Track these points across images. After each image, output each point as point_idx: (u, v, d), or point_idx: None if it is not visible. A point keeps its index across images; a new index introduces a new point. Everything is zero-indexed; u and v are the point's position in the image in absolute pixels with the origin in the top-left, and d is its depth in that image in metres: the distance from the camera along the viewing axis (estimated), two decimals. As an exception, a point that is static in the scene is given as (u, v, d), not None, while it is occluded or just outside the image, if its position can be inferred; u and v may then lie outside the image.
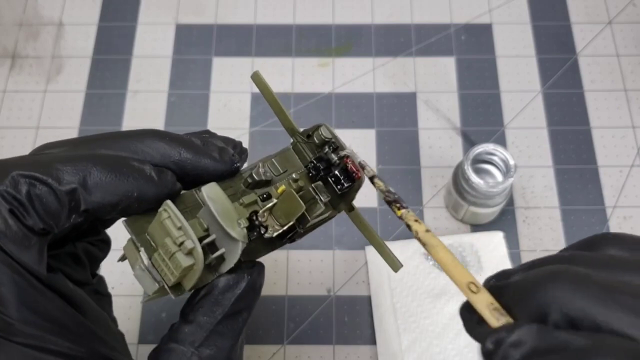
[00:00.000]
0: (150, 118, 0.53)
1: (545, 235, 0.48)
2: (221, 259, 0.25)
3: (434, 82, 0.54)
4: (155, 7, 0.58)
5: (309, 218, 0.27)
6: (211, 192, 0.25)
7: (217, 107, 0.53)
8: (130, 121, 0.53)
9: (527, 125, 0.52)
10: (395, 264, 0.29)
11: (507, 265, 0.45)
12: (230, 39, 0.56)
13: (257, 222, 0.26)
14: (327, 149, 0.27)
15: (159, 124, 0.53)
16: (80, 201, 0.23)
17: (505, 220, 0.48)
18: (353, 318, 0.45)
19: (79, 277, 0.29)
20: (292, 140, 0.29)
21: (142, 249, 0.24)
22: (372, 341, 0.44)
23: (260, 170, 0.27)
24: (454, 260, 0.21)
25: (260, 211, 0.26)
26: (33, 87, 0.54)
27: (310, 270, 0.47)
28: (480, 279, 0.48)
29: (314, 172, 0.28)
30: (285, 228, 0.26)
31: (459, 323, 0.43)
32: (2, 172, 0.23)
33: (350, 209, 0.29)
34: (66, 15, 0.58)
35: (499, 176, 0.46)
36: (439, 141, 0.51)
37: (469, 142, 0.51)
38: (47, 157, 0.24)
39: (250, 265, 0.26)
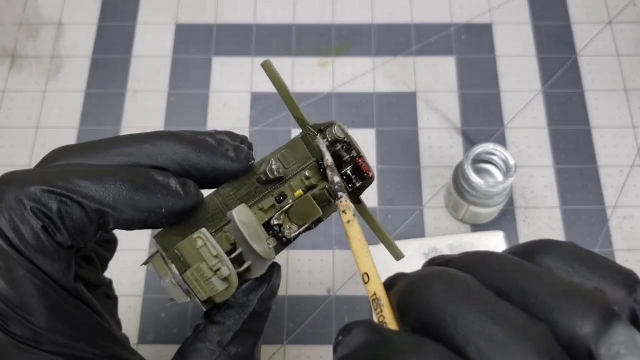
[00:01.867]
0: (150, 118, 0.53)
1: (546, 235, 0.48)
2: (247, 269, 0.26)
3: (434, 82, 0.54)
4: (155, 7, 0.58)
5: (323, 219, 0.28)
6: (242, 216, 0.25)
7: (217, 107, 0.53)
8: (130, 121, 0.53)
9: (527, 125, 0.52)
10: (397, 254, 0.30)
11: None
12: (230, 39, 0.56)
13: (276, 231, 0.27)
14: (339, 147, 0.28)
15: (158, 124, 0.53)
16: (109, 220, 0.24)
17: (505, 220, 0.48)
18: (353, 318, 0.45)
19: (91, 279, 0.29)
20: (301, 131, 0.29)
21: (173, 266, 0.26)
22: (372, 341, 0.44)
23: (274, 167, 0.28)
24: (359, 250, 0.22)
25: (277, 214, 0.27)
26: (33, 87, 0.54)
27: (310, 270, 0.47)
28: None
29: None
30: (301, 230, 0.27)
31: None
32: (28, 185, 0.23)
33: (358, 202, 0.29)
34: (66, 15, 0.57)
35: (499, 176, 0.46)
36: (439, 141, 0.51)
37: (469, 142, 0.51)
38: (72, 171, 0.24)
39: (269, 267, 0.27)
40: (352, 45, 0.56)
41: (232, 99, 0.53)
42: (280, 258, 0.47)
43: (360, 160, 0.28)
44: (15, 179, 0.24)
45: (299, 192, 0.28)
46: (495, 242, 0.46)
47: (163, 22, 0.57)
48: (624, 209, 0.49)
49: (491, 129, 0.52)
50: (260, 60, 0.55)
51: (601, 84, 0.53)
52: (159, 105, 0.53)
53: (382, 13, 0.57)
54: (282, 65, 0.55)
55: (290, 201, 0.27)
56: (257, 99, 0.53)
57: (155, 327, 0.45)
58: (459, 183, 0.45)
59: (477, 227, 0.48)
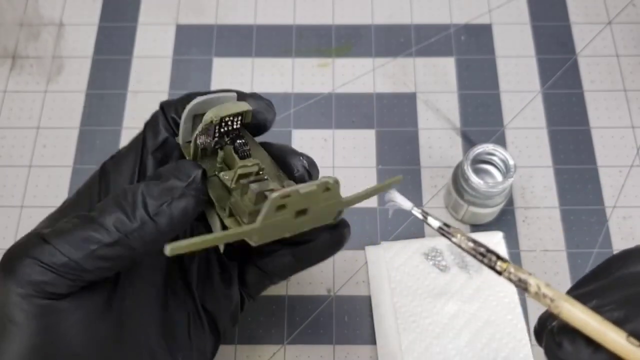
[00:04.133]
0: (150, 118, 0.53)
1: (545, 235, 0.48)
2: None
3: (434, 82, 0.54)
4: (156, 7, 0.58)
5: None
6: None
7: (218, 107, 0.53)
8: (131, 121, 0.53)
9: (527, 126, 0.52)
10: (392, 181, 0.30)
11: (507, 265, 0.45)
12: (230, 39, 0.56)
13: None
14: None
15: (159, 124, 0.53)
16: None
17: (505, 220, 0.48)
18: (353, 318, 0.45)
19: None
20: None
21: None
22: (372, 341, 0.44)
23: (199, 142, 0.33)
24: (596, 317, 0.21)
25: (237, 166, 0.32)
26: (33, 88, 0.54)
27: (310, 270, 0.47)
28: (480, 279, 0.48)
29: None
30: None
31: (458, 323, 0.43)
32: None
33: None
34: (66, 16, 0.58)
35: (498, 176, 0.46)
36: (438, 141, 0.51)
37: (469, 142, 0.51)
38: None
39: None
40: (352, 45, 0.56)
41: (232, 100, 0.54)
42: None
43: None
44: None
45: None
46: (494, 243, 0.46)
47: (164, 23, 0.57)
48: (623, 209, 0.49)
49: (491, 129, 0.52)
50: (260, 60, 0.55)
51: (600, 85, 0.53)
52: (160, 106, 0.53)
53: (382, 14, 0.57)
54: (282, 65, 0.55)
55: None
56: (257, 100, 0.53)
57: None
58: (458, 183, 0.45)
59: (476, 227, 0.48)
